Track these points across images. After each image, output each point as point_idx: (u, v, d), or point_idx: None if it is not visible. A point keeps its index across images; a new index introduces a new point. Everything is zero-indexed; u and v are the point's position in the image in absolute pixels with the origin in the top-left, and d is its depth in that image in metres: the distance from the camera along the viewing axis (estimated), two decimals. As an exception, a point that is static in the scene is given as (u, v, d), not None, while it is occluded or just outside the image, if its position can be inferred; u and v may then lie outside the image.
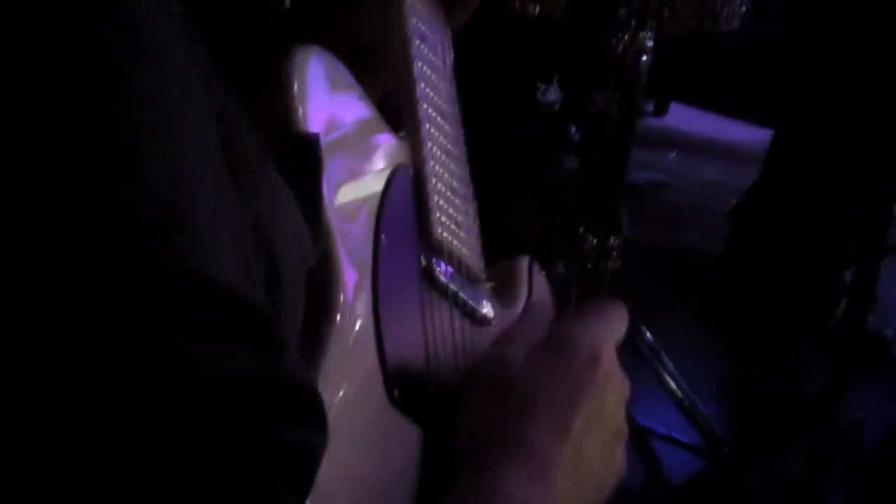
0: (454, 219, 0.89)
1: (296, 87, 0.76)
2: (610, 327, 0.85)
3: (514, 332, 0.88)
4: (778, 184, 2.94)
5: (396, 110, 0.91)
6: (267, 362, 0.55)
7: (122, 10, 0.55)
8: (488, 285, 0.93)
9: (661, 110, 4.10)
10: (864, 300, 2.15)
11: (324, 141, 0.76)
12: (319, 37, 0.87)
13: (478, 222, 0.93)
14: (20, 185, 0.51)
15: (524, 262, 0.99)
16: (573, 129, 3.44)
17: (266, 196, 0.65)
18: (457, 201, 0.90)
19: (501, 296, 0.96)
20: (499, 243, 0.98)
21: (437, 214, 0.87)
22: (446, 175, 0.90)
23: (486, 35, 0.90)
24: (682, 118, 4.09)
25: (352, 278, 0.75)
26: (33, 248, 0.51)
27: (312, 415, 0.57)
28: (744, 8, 2.01)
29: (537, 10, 1.94)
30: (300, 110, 0.76)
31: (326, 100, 0.80)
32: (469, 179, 0.94)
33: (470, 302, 0.88)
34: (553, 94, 2.86)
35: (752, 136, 3.86)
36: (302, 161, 0.74)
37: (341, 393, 0.73)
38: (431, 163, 0.88)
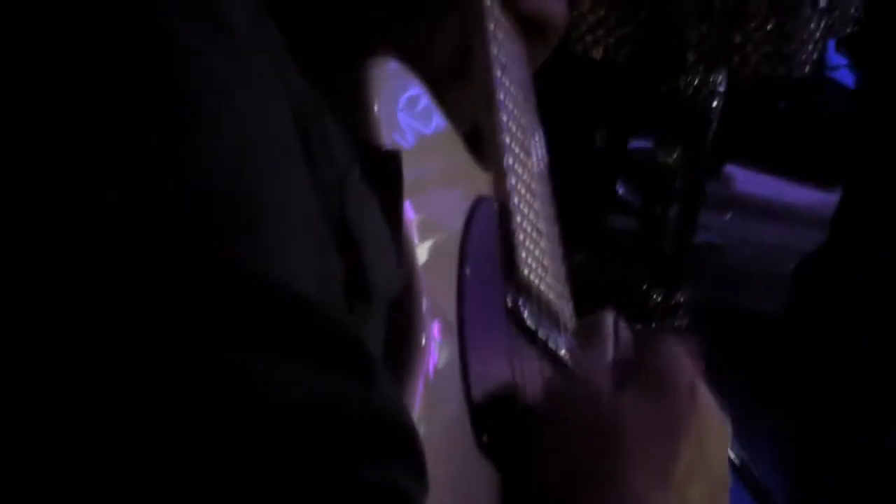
0: (540, 261, 0.84)
1: (374, 99, 0.72)
2: (698, 366, 0.79)
3: (603, 371, 0.82)
4: (846, 246, 2.89)
5: (475, 138, 0.86)
6: (352, 386, 0.48)
7: None
8: (575, 335, 0.87)
9: (714, 172, 4.04)
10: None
11: (404, 157, 0.71)
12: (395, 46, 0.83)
13: (565, 269, 0.88)
14: (82, 153, 0.47)
15: (609, 316, 0.93)
16: (620, 186, 3.39)
17: (354, 202, 0.62)
18: (542, 243, 0.85)
19: (588, 349, 0.90)
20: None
21: (523, 254, 0.82)
22: (531, 214, 0.85)
23: (544, 78, 0.87)
24: (739, 179, 4.03)
25: (435, 310, 0.70)
26: (80, 231, 0.47)
27: (410, 457, 0.49)
28: (815, 55, 1.95)
29: (601, 53, 1.90)
30: (380, 123, 0.72)
31: (404, 115, 0.76)
32: (555, 222, 0.88)
33: (559, 350, 0.83)
34: (600, 140, 2.82)
35: (808, 197, 3.80)
36: (383, 176, 0.70)
37: (423, 435, 0.67)
38: (516, 199, 0.83)
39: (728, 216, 3.82)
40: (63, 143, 0.48)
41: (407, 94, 0.76)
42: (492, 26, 0.87)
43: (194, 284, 0.47)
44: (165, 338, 0.46)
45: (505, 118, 0.85)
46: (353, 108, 0.71)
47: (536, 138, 0.93)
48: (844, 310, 2.90)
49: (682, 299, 1.85)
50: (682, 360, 0.77)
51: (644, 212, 2.71)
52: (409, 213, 0.71)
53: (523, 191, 0.85)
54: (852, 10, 2.17)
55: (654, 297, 1.84)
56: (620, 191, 3.42)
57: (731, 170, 4.04)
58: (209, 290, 0.47)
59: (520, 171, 0.85)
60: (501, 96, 0.85)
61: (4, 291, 0.46)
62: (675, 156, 1.99)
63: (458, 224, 0.77)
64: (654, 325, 1.85)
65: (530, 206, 0.85)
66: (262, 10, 0.59)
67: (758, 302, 3.31)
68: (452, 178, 0.80)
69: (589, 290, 2.77)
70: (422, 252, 0.71)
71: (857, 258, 2.86)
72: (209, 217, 0.49)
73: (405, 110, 0.75)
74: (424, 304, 0.70)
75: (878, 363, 2.89)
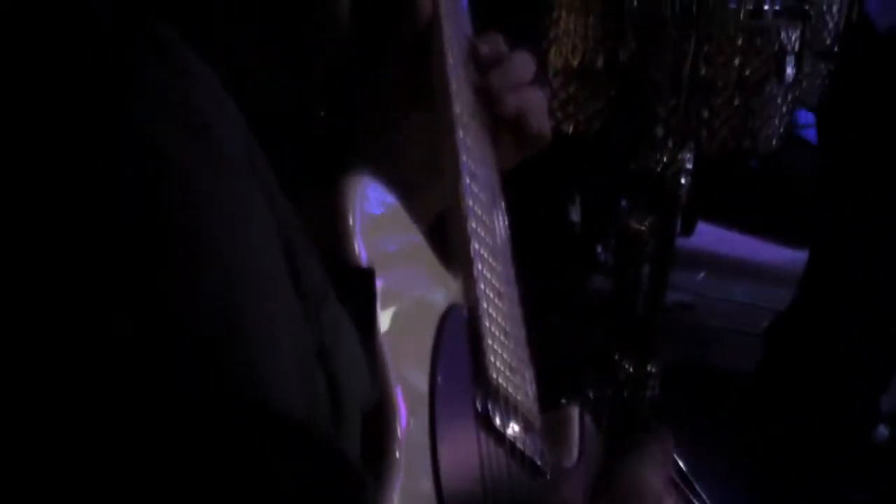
0: (508, 363, 0.87)
1: (349, 218, 0.76)
2: (663, 466, 0.83)
3: (573, 479, 0.85)
4: (816, 305, 2.91)
5: (445, 242, 0.89)
6: (348, 498, 0.52)
7: (188, 114, 0.55)
8: (542, 433, 0.90)
9: (688, 230, 4.07)
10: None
11: (378, 274, 0.74)
12: (370, 155, 0.86)
13: (532, 369, 0.91)
14: (77, 292, 0.51)
15: (575, 412, 0.96)
16: (600, 249, 3.43)
17: (330, 326, 0.65)
18: (510, 345, 0.88)
19: (554, 445, 0.92)
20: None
21: (492, 358, 0.85)
22: (499, 317, 0.87)
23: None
24: (710, 238, 4.06)
25: (408, 419, 0.73)
26: (83, 359, 0.50)
27: None
28: (782, 129, 1.99)
29: (571, 128, 1.93)
30: (354, 242, 0.75)
31: (379, 232, 0.78)
32: (522, 321, 0.91)
33: (526, 452, 0.85)
34: (575, 215, 2.85)
35: (780, 256, 3.84)
36: (356, 295, 0.73)
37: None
38: (484, 304, 0.86)
39: (701, 275, 3.85)
40: (66, 255, 0.51)
41: (381, 210, 0.79)
42: (461, 133, 0.90)
43: (199, 413, 0.51)
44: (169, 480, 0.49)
45: (473, 224, 0.88)
46: (328, 226, 0.74)
47: (500, 219, 0.95)
48: (815, 368, 2.92)
49: (652, 370, 1.88)
50: (651, 475, 0.80)
51: (617, 273, 2.74)
52: (383, 326, 0.74)
53: (491, 295, 0.87)
54: (818, 81, 2.21)
55: (626, 366, 1.86)
56: (599, 251, 3.46)
57: (704, 227, 4.08)
58: (214, 417, 0.51)
59: (488, 275, 0.88)
60: (470, 203, 0.88)
61: None
62: (646, 223, 2.01)
63: (430, 333, 0.79)
64: (625, 394, 1.87)
65: (498, 309, 0.88)
66: (254, 140, 0.62)
67: (730, 360, 3.33)
68: (424, 289, 0.82)
69: (565, 353, 2.79)
70: (394, 362, 0.74)
71: (826, 317, 2.89)
72: (209, 353, 0.52)
73: (379, 226, 0.78)
74: (397, 412, 0.72)
75: (849, 420, 2.91)
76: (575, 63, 1.90)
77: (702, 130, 1.86)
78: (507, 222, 0.94)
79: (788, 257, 3.65)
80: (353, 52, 0.80)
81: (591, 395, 2.05)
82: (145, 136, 0.54)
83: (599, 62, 1.89)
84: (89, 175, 0.53)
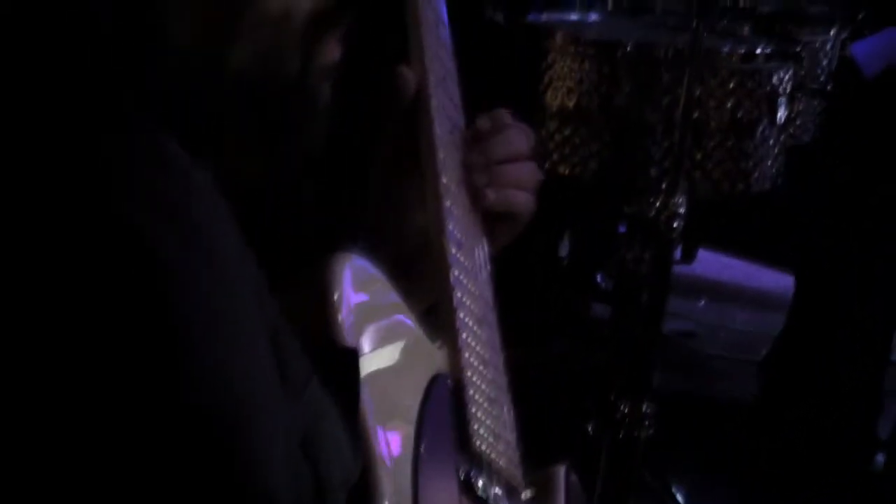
0: (491, 429, 0.88)
1: (335, 296, 0.77)
2: None
3: None
4: (804, 333, 2.93)
5: (433, 313, 0.91)
6: None
7: (181, 214, 0.58)
8: (526, 495, 0.91)
9: (688, 256, 4.09)
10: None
11: (362, 351, 0.76)
12: (358, 237, 0.88)
13: (515, 432, 0.92)
14: (84, 383, 0.54)
15: (561, 471, 0.98)
16: (599, 277, 3.46)
17: (311, 411, 0.67)
18: (494, 411, 0.89)
19: (540, 505, 0.94)
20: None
21: (475, 426, 0.86)
22: (483, 384, 0.89)
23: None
24: (711, 264, 4.08)
25: (392, 491, 0.74)
26: (91, 444, 0.53)
27: None
28: (774, 169, 2.01)
29: (567, 171, 1.96)
30: (339, 321, 0.77)
31: (365, 308, 0.80)
32: (506, 387, 0.93)
33: (512, 519, 0.87)
34: (564, 249, 2.87)
35: (780, 282, 3.85)
36: (341, 373, 0.75)
37: None
38: (469, 372, 0.88)
39: (701, 303, 3.86)
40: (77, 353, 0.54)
41: (366, 287, 0.81)
42: (448, 203, 0.92)
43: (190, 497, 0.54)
44: None
45: (459, 293, 0.90)
46: (315, 305, 0.76)
47: (486, 285, 0.96)
48: (810, 395, 2.93)
49: (647, 410, 1.89)
50: None
51: (615, 304, 2.76)
52: (367, 402, 0.75)
53: (476, 363, 0.89)
54: (810, 121, 2.24)
55: (622, 407, 1.88)
56: (599, 279, 3.48)
57: (704, 254, 4.10)
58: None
59: (473, 343, 0.90)
60: (456, 272, 0.90)
61: None
62: (642, 258, 2.03)
63: (414, 405, 0.81)
64: (621, 435, 1.88)
65: (483, 377, 0.90)
66: (241, 236, 0.64)
67: (730, 389, 3.34)
68: (409, 363, 0.84)
69: (566, 380, 2.79)
70: (378, 436, 0.76)
71: (818, 343, 2.90)
72: (202, 440, 0.55)
73: (366, 305, 0.80)
74: (381, 485, 0.74)
75: (847, 448, 2.92)
76: (571, 105, 1.93)
77: (695, 172, 1.88)
78: (493, 289, 0.96)
79: (788, 283, 3.67)
80: (340, 131, 0.82)
81: (590, 430, 2.07)
82: (140, 236, 0.56)
83: (594, 105, 1.91)
84: (78, 274, 0.55)
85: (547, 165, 1.93)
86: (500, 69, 2.02)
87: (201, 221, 0.59)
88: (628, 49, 1.90)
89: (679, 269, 4.00)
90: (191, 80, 0.66)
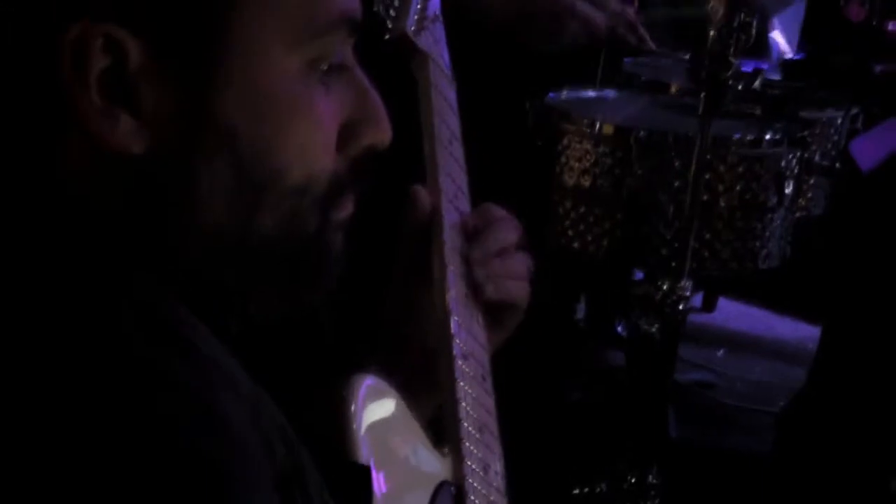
0: (492, 532, 0.97)
1: (351, 412, 0.86)
2: None
3: None
4: (826, 389, 2.96)
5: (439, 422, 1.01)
6: None
7: (204, 406, 0.64)
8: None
9: (709, 305, 4.15)
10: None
11: (374, 467, 0.85)
12: (375, 348, 0.97)
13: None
14: None
15: None
16: (618, 325, 3.53)
17: None
18: (495, 514, 0.98)
19: None
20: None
21: (477, 530, 0.95)
22: (484, 490, 0.98)
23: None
24: (731, 314, 4.13)
25: None
26: None
27: None
28: (782, 246, 2.08)
29: (580, 246, 2.04)
30: (353, 439, 0.85)
31: (378, 424, 0.89)
32: (504, 491, 1.02)
33: None
34: (580, 312, 2.94)
35: (799, 332, 3.90)
36: (353, 489, 0.83)
37: None
38: (470, 480, 0.97)
39: (720, 352, 3.92)
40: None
41: (381, 407, 0.90)
42: (456, 317, 1.01)
43: None
44: None
45: (464, 404, 0.99)
46: (328, 426, 0.85)
47: (488, 392, 1.05)
48: (828, 453, 2.96)
49: (654, 481, 1.98)
50: None
51: (629, 363, 2.83)
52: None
53: (478, 469, 0.98)
54: (821, 195, 2.30)
55: (629, 478, 1.97)
56: (617, 327, 3.55)
57: (724, 303, 4.16)
58: None
59: (475, 451, 0.99)
60: (462, 384, 0.99)
61: None
62: (654, 328, 2.11)
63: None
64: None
65: (484, 482, 0.99)
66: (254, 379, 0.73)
67: (747, 441, 3.38)
68: (417, 473, 0.93)
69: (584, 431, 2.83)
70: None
71: (838, 401, 2.93)
72: None
73: (378, 423, 0.89)
74: None
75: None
76: (586, 185, 2.02)
77: (704, 252, 1.96)
78: (494, 396, 1.05)
79: (808, 334, 3.70)
80: (355, 254, 0.90)
81: (604, 488, 2.15)
82: (162, 430, 0.62)
83: (608, 186, 2.00)
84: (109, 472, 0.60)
85: (562, 241, 2.02)
86: (519, 148, 2.11)
87: (225, 412, 0.65)
88: (641, 135, 1.99)
89: (699, 317, 4.07)
90: (217, 246, 0.74)
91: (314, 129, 0.76)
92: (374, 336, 1.04)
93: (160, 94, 0.70)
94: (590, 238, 2.01)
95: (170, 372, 0.64)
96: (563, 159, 2.05)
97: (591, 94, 2.31)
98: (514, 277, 1.08)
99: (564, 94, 2.26)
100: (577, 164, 2.02)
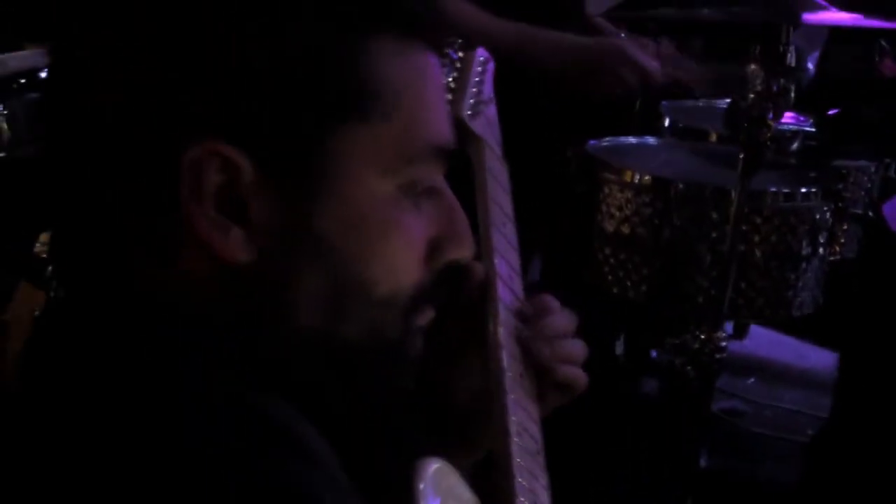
0: None
1: (419, 491, 0.92)
2: None
3: None
4: (850, 419, 2.99)
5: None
6: None
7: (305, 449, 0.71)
8: None
9: (740, 332, 4.18)
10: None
11: None
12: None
13: None
14: None
15: None
16: (654, 353, 3.57)
17: None
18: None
19: None
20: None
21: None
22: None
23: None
24: (762, 342, 4.15)
25: None
26: None
27: None
28: (816, 294, 2.13)
29: (619, 291, 2.10)
30: None
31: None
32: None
33: None
34: (619, 348, 2.98)
35: (830, 361, 3.92)
36: None
37: None
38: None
39: (751, 380, 3.95)
40: None
41: (447, 490, 0.96)
42: (511, 394, 1.06)
43: None
44: None
45: (520, 478, 1.04)
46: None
47: (542, 468, 1.09)
48: (854, 483, 2.99)
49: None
50: None
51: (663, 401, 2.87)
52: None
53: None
54: (854, 240, 2.35)
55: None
56: (654, 355, 3.59)
57: (756, 330, 4.18)
58: None
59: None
60: (518, 460, 1.05)
61: None
62: (689, 369, 2.16)
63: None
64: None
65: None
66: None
67: (777, 471, 3.40)
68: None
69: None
70: None
71: (862, 430, 2.95)
72: None
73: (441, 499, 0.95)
74: None
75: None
76: (626, 233, 2.08)
77: (739, 300, 2.01)
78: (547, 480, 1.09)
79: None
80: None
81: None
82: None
83: (647, 235, 2.06)
84: None
85: (602, 286, 2.08)
86: (562, 197, 2.17)
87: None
88: (680, 187, 2.05)
89: (731, 345, 4.09)
90: (307, 349, 0.80)
91: (404, 247, 0.81)
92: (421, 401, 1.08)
93: (267, 208, 0.76)
94: (629, 283, 2.06)
95: (293, 476, 0.70)
96: (604, 207, 2.11)
97: (631, 140, 2.37)
98: (572, 362, 1.11)
99: (606, 141, 2.31)
100: (617, 213, 2.08)
